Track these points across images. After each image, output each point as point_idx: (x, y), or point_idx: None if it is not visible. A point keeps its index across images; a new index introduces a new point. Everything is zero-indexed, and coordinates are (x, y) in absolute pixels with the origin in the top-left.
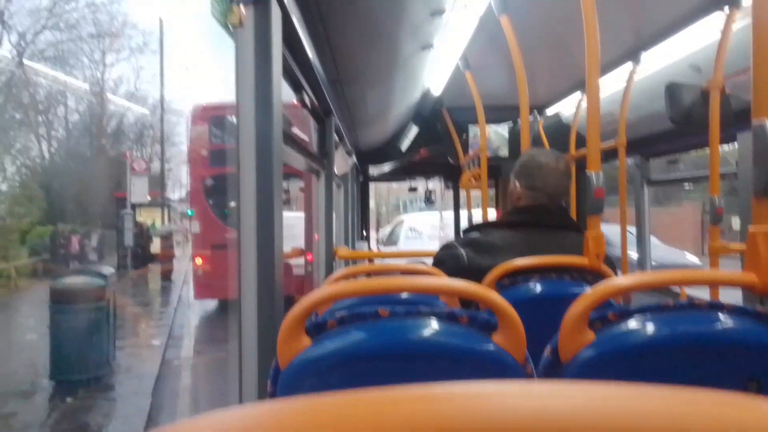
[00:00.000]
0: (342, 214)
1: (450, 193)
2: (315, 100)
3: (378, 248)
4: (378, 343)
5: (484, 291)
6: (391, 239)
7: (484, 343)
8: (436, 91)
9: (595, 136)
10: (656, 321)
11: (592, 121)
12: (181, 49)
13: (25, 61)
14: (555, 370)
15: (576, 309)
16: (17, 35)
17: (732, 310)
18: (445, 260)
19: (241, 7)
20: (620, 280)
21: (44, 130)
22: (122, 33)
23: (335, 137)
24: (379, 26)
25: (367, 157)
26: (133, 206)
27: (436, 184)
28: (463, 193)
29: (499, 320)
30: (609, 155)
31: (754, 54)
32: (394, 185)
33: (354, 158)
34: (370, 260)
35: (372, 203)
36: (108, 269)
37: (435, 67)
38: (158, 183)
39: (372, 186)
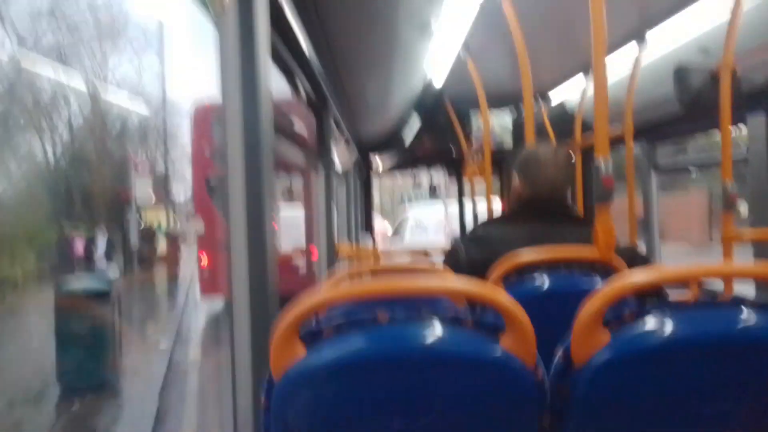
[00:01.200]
0: (345, 209)
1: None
2: (311, 91)
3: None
4: (378, 351)
5: (489, 291)
6: (396, 233)
7: (491, 348)
8: (438, 79)
9: (602, 120)
10: (677, 319)
11: (599, 103)
12: (186, 47)
13: (28, 64)
14: (568, 374)
15: (589, 308)
16: (18, 38)
17: (757, 306)
18: (447, 258)
19: None
20: (638, 275)
21: (48, 133)
22: (124, 33)
23: (335, 130)
24: (377, 11)
25: (370, 149)
26: (139, 208)
27: (440, 175)
28: (467, 184)
29: (507, 322)
30: (614, 142)
31: None
32: (399, 179)
33: (356, 151)
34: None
35: (376, 197)
36: (114, 272)
37: (436, 56)
38: (163, 184)
39: (376, 180)
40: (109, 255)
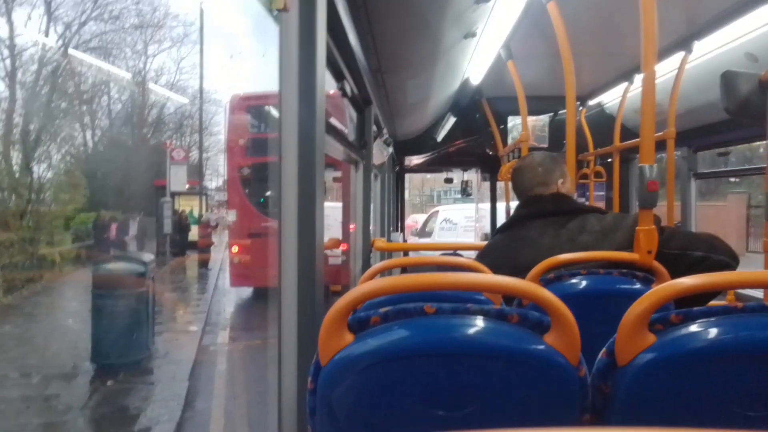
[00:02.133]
0: (378, 204)
1: (486, 185)
2: (355, 90)
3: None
4: (424, 341)
5: (534, 289)
6: (425, 231)
7: (536, 344)
8: (476, 80)
9: (649, 128)
10: (722, 325)
11: (647, 110)
12: (224, 38)
13: (70, 51)
14: (611, 373)
15: (636, 310)
16: (63, 25)
17: None
18: (481, 258)
19: None
20: (685, 281)
21: (88, 119)
22: (164, 23)
23: (374, 127)
24: (423, 14)
25: (403, 146)
26: (173, 194)
27: (472, 176)
28: (500, 185)
29: (552, 320)
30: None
31: None
32: (429, 176)
33: (391, 148)
34: (406, 253)
35: (406, 194)
36: (148, 256)
37: (476, 57)
38: (197, 172)
39: (407, 176)
40: (142, 239)
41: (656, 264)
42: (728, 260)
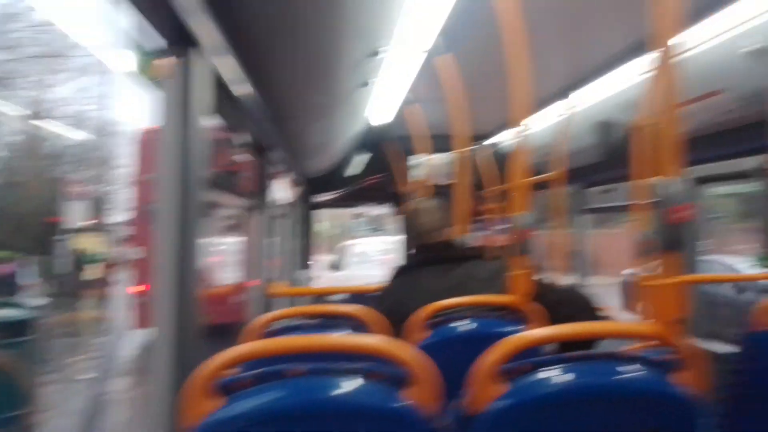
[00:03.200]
0: (284, 242)
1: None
2: (253, 137)
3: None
4: (291, 404)
5: (396, 348)
6: (338, 264)
7: (395, 400)
8: (379, 122)
9: (521, 176)
10: (568, 372)
11: (518, 165)
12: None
13: None
14: (467, 422)
15: (486, 361)
16: None
17: (632, 360)
18: (377, 306)
19: (165, 59)
20: (535, 333)
21: None
22: (64, 54)
23: (278, 168)
24: (317, 67)
25: (314, 183)
26: (70, 231)
27: (383, 210)
28: None
29: (413, 375)
30: (547, 184)
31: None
32: (347, 213)
33: (299, 186)
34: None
35: (324, 225)
36: (38, 300)
37: (377, 102)
38: (99, 207)
39: (324, 211)
40: (33, 281)
41: (532, 305)
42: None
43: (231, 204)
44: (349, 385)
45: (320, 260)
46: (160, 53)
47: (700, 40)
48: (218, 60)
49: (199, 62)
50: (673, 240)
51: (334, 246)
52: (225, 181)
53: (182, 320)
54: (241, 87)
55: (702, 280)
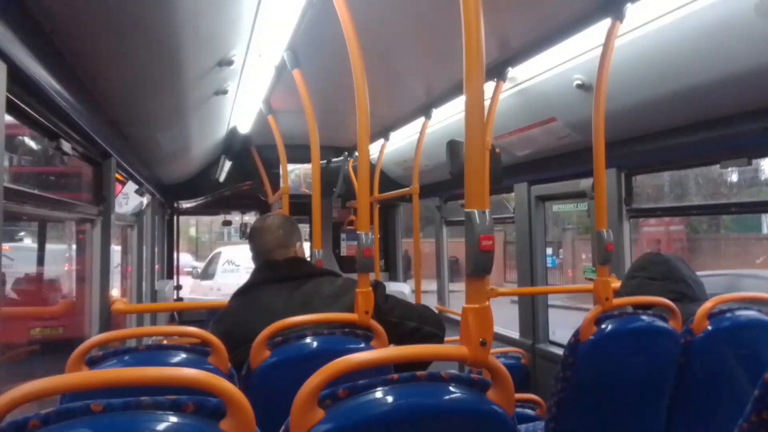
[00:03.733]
0: (138, 253)
1: None
2: (84, 146)
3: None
4: None
5: (212, 380)
6: (208, 273)
7: None
8: (243, 129)
9: (364, 196)
10: (384, 395)
11: (362, 182)
12: None
13: None
14: None
15: (306, 389)
16: None
17: (451, 380)
18: (213, 329)
19: None
20: (355, 357)
21: None
22: None
23: (124, 178)
24: (161, 75)
25: (175, 190)
26: None
27: (252, 218)
28: None
29: (228, 406)
30: (409, 197)
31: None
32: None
33: (149, 195)
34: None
35: (193, 231)
36: None
37: (237, 109)
38: None
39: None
40: None
41: (373, 323)
42: (436, 331)
43: (63, 215)
44: (158, 421)
45: (188, 268)
46: None
47: (537, 71)
48: (20, 59)
49: None
50: (481, 266)
51: (202, 254)
52: (55, 188)
53: None
54: (56, 92)
55: (530, 293)
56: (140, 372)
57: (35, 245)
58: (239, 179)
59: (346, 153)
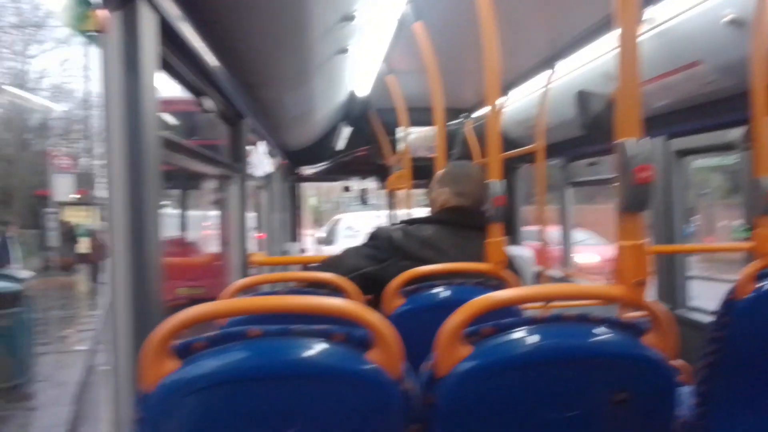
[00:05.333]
0: (269, 214)
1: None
2: (223, 105)
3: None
4: (246, 366)
5: (357, 310)
6: (328, 239)
7: (358, 362)
8: (362, 93)
9: (495, 147)
10: (529, 334)
11: (492, 134)
12: None
13: None
14: (433, 385)
15: (450, 324)
16: None
17: (601, 322)
18: (378, 236)
19: (103, 12)
20: (499, 295)
21: None
22: (46, 23)
23: (254, 139)
24: (288, 32)
25: (297, 156)
26: (59, 205)
27: (371, 184)
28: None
29: (375, 337)
30: (533, 157)
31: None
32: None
33: (278, 158)
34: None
35: (314, 200)
36: (26, 272)
37: (357, 70)
38: (87, 180)
39: (314, 184)
40: (21, 254)
41: (505, 273)
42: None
43: (207, 173)
44: (310, 346)
45: (311, 235)
46: (99, 4)
47: (679, 9)
48: (171, 15)
49: (146, 15)
50: (636, 202)
51: (325, 221)
52: (198, 148)
53: (140, 286)
54: (201, 49)
55: (673, 251)
56: (296, 300)
57: (176, 212)
58: (357, 145)
59: (466, 113)
